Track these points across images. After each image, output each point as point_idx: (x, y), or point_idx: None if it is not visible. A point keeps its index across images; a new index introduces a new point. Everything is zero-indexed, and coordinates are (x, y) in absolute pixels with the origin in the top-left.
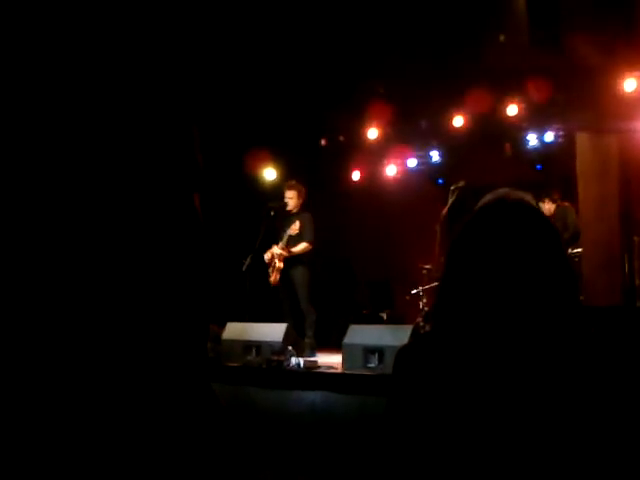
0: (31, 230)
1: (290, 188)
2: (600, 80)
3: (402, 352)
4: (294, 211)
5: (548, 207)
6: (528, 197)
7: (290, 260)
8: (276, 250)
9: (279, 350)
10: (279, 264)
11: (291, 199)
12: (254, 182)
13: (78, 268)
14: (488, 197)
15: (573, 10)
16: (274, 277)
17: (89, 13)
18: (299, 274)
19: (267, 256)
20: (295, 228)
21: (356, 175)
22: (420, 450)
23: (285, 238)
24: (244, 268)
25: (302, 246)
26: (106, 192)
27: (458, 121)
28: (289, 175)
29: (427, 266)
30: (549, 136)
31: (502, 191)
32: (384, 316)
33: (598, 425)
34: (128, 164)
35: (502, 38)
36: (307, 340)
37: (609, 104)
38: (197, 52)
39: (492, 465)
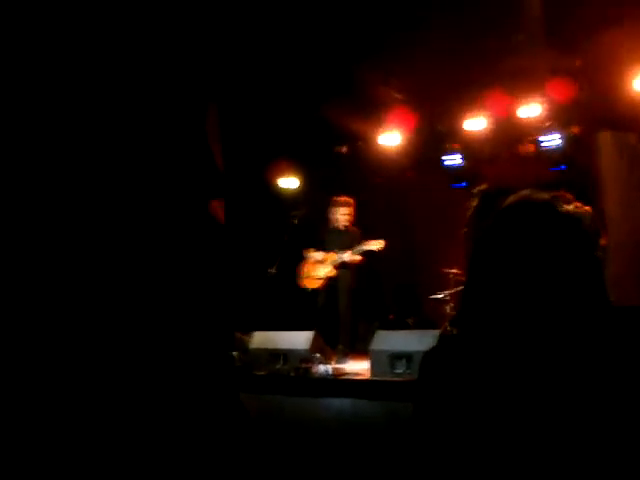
0: (37, 237)
1: (346, 205)
2: (620, 78)
3: (428, 356)
4: (348, 225)
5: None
6: (550, 198)
7: (341, 268)
8: (350, 256)
9: (306, 358)
10: (334, 271)
11: (349, 215)
12: (276, 191)
13: (93, 278)
14: (511, 199)
15: (589, 8)
16: (321, 283)
17: (96, 9)
18: (347, 282)
19: (320, 257)
20: (380, 244)
21: (377, 181)
22: (446, 453)
23: (362, 250)
24: (269, 277)
25: (360, 257)
26: (119, 197)
27: (478, 123)
28: (311, 183)
29: (453, 270)
30: (570, 136)
31: (524, 193)
32: (410, 322)
33: (631, 428)
34: (142, 169)
35: (519, 39)
36: (341, 347)
37: (630, 102)
38: (219, 59)
39: (517, 468)
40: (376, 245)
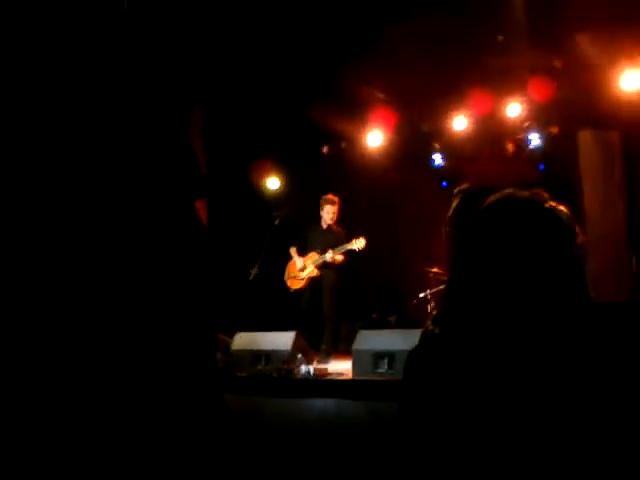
0: (28, 240)
1: (331, 203)
2: (601, 77)
3: (412, 355)
4: (332, 224)
5: None
6: (531, 196)
7: (324, 267)
8: (332, 256)
9: (288, 358)
10: (317, 272)
11: (334, 214)
12: (258, 191)
13: (78, 280)
14: (492, 198)
15: (572, 7)
16: (304, 283)
17: (86, 12)
18: (331, 281)
19: (300, 264)
20: (361, 244)
21: (360, 181)
22: (431, 452)
23: (343, 249)
24: (251, 277)
25: (342, 256)
26: (100, 196)
27: (460, 123)
28: (292, 183)
29: (434, 269)
30: (551, 135)
31: (505, 191)
32: (392, 321)
33: (611, 424)
34: (126, 169)
35: (501, 38)
36: (324, 347)
37: (611, 101)
38: (203, 60)
39: (502, 466)
40: (357, 244)
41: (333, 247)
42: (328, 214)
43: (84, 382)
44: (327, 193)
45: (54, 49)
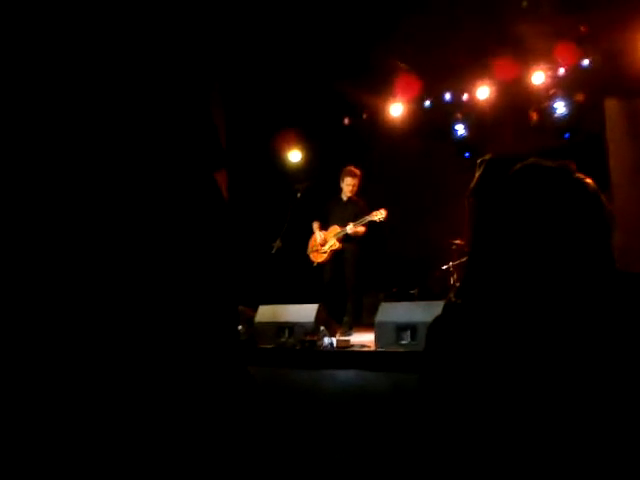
0: (42, 216)
1: (351, 175)
2: (628, 43)
3: (434, 325)
4: (352, 196)
5: None
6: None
7: (346, 240)
8: (353, 228)
9: (312, 330)
10: (339, 244)
11: (354, 186)
12: (280, 164)
13: (97, 253)
14: (518, 167)
15: None
16: (326, 257)
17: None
18: (353, 254)
19: (322, 237)
20: (382, 215)
21: (381, 152)
22: (453, 423)
23: (364, 221)
24: (274, 251)
25: (363, 228)
26: (121, 171)
27: (483, 92)
28: (314, 155)
29: (457, 241)
30: (577, 103)
31: (531, 161)
32: (414, 293)
33: (632, 393)
34: (146, 149)
35: (525, 4)
36: (346, 319)
37: (638, 68)
38: (220, 36)
39: (523, 437)
40: (378, 216)
41: (354, 219)
42: (348, 186)
43: (108, 358)
44: (348, 165)
45: (75, 29)
